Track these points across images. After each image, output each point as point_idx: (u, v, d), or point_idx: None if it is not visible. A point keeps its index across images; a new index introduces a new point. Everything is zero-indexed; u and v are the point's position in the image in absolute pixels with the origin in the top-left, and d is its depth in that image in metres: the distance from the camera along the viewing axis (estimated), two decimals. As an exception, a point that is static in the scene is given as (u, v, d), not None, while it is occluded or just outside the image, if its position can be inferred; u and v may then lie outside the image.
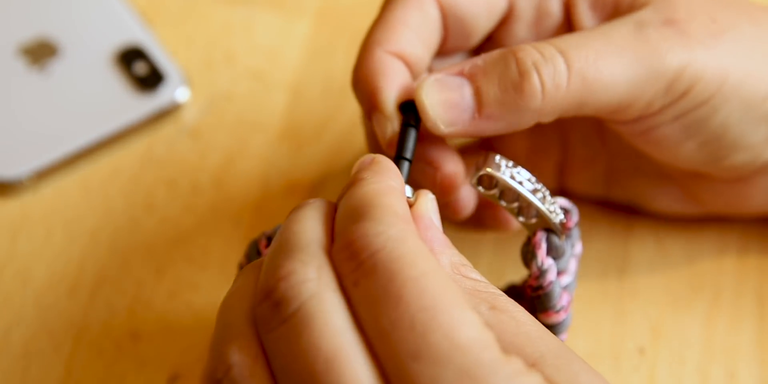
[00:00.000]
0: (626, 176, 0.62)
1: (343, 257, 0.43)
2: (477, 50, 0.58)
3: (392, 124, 0.52)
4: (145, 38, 0.70)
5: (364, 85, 0.53)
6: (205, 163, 0.67)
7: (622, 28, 0.53)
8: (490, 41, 0.57)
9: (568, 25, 0.57)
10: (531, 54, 0.51)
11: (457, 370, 0.41)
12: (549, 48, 0.52)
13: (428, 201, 0.49)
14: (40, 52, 0.69)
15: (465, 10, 0.55)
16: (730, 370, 0.60)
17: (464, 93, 0.52)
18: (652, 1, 0.54)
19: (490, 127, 0.52)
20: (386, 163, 0.48)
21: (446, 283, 0.42)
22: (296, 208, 0.47)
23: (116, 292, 0.63)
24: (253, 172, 0.67)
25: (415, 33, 0.54)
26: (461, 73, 0.52)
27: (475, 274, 0.47)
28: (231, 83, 0.70)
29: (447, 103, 0.51)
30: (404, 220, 0.44)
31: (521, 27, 0.56)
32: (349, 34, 0.71)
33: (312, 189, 0.66)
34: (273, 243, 0.46)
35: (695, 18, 0.53)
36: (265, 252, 0.53)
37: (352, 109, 0.69)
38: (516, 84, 0.51)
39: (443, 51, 0.57)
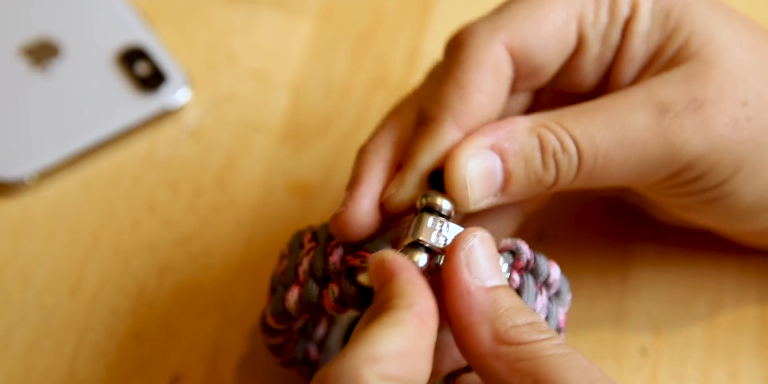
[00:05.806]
0: None
1: None
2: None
3: (407, 190, 0.50)
4: (146, 38, 0.70)
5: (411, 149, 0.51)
6: (207, 164, 0.67)
7: (641, 115, 0.50)
8: (554, 77, 0.55)
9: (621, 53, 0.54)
10: (552, 143, 0.50)
11: None
12: (566, 138, 0.50)
13: (461, 269, 0.47)
14: (42, 53, 0.69)
15: (539, 59, 0.52)
16: (732, 370, 0.60)
17: (497, 171, 0.50)
18: (689, 61, 0.51)
19: (502, 202, 0.51)
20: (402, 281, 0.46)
21: None
22: None
23: (118, 293, 0.63)
24: (255, 172, 0.67)
25: (489, 99, 0.51)
26: (493, 149, 0.50)
27: (531, 335, 0.45)
28: (233, 83, 0.70)
29: (486, 180, 0.50)
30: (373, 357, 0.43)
31: (587, 60, 0.54)
32: (351, 34, 0.71)
33: (314, 189, 0.66)
34: None
35: (725, 99, 0.51)
36: (307, 245, 0.53)
37: (354, 109, 0.69)
38: (539, 176, 0.50)
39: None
